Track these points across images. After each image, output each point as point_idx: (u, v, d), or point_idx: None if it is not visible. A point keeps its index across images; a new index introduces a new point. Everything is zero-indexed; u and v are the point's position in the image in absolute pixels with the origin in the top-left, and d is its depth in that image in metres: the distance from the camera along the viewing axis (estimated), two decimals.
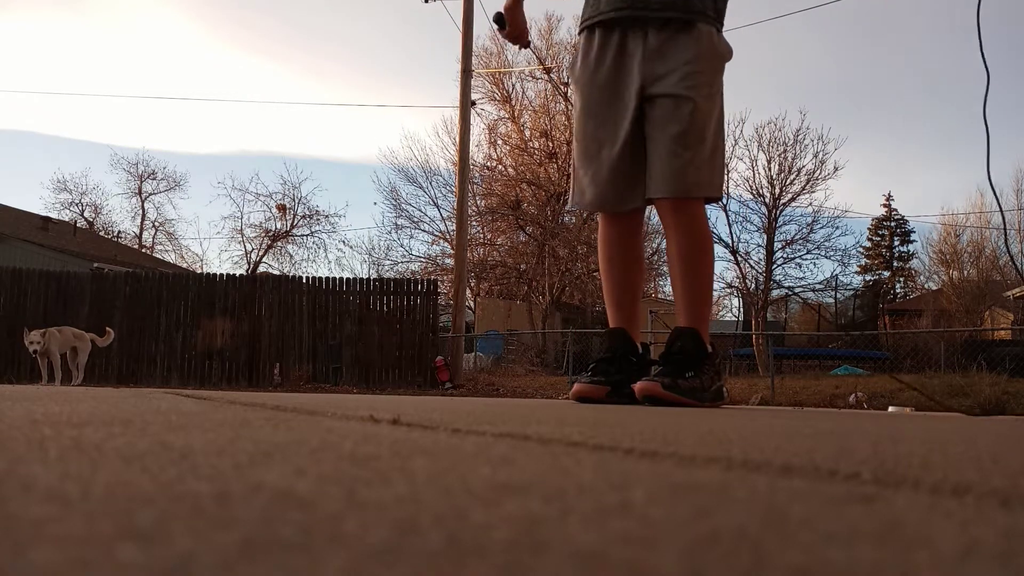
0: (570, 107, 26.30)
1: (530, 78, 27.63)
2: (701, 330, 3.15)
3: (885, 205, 41.39)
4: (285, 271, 29.37)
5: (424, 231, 27.82)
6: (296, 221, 31.40)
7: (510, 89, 27.76)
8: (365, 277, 17.51)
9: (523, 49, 3.43)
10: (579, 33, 3.31)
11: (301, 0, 51.17)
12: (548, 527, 0.41)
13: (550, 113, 27.10)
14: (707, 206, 3.27)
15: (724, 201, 24.49)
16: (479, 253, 26.48)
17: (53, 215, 32.01)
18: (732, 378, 14.40)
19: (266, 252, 31.32)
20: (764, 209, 24.74)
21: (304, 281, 14.99)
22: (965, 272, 32.02)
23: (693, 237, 3.15)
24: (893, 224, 41.15)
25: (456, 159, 15.20)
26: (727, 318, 33.50)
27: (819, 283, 26.19)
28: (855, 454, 0.89)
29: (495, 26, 3.58)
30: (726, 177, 25.18)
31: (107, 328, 11.54)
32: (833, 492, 0.58)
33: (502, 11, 3.51)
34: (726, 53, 3.17)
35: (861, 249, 37.15)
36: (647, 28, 3.06)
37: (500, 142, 27.16)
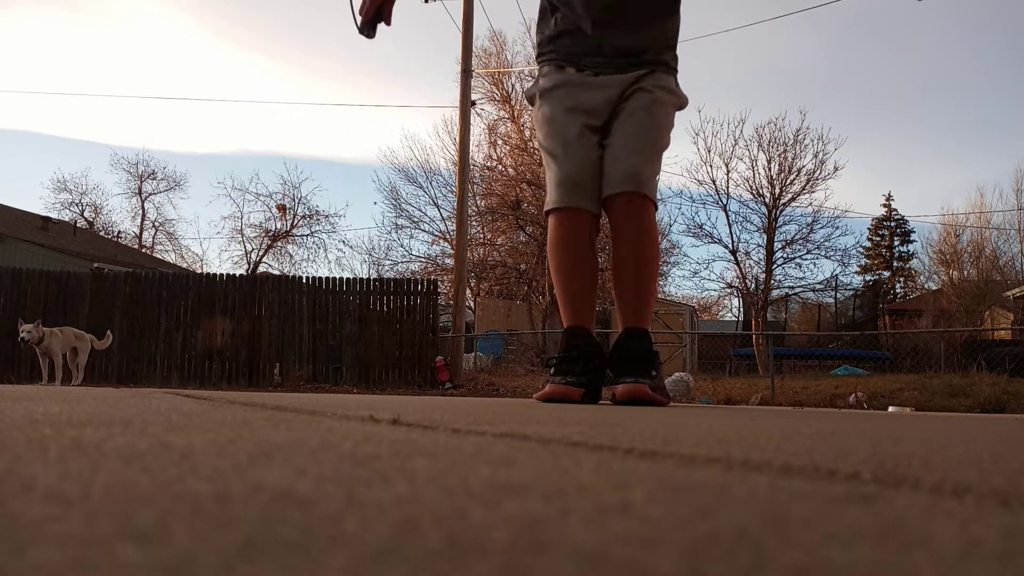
0: None
1: (530, 78, 27.62)
2: (647, 329, 3.25)
3: (885, 205, 41.42)
4: (285, 271, 29.42)
5: (424, 231, 27.84)
6: (296, 221, 31.43)
7: (510, 89, 27.76)
8: (365, 277, 17.50)
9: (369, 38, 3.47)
10: (540, 60, 3.40)
11: (301, 0, 51.21)
12: (548, 527, 0.41)
13: None
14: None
15: (724, 201, 24.51)
16: (479, 253, 26.47)
17: (53, 215, 32.04)
18: (732, 378, 14.41)
19: (266, 252, 31.34)
20: (764, 209, 24.74)
21: (304, 281, 14.99)
22: (965, 272, 32.01)
23: (646, 239, 3.24)
24: (893, 224, 41.15)
25: (456, 159, 15.19)
26: (727, 318, 33.52)
27: (819, 283, 26.19)
28: (855, 454, 0.89)
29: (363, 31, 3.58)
30: (725, 176, 25.19)
31: (107, 332, 11.53)
32: (833, 492, 0.58)
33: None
34: (680, 100, 3.37)
35: (861, 249, 37.15)
36: (616, 72, 3.26)
37: (500, 142, 27.15)
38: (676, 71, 3.41)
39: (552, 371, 3.21)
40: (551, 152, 3.33)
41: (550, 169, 3.34)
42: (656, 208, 3.34)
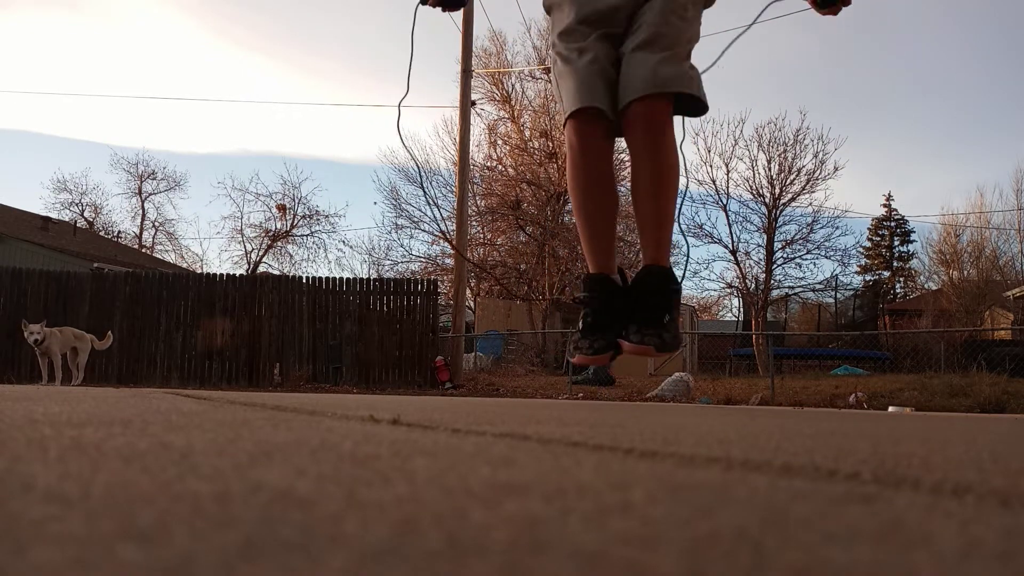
0: None
1: (530, 78, 27.64)
2: (667, 263, 3.03)
3: (885, 205, 41.42)
4: (285, 271, 29.41)
5: (424, 231, 27.85)
6: (296, 221, 31.42)
7: (510, 89, 27.77)
8: (365, 277, 17.50)
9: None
10: None
11: (301, 0, 51.21)
12: (548, 527, 0.41)
13: (550, 113, 27.10)
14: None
15: (724, 201, 24.48)
16: (479, 253, 26.47)
17: (53, 215, 32.03)
18: (732, 378, 14.41)
19: (266, 252, 31.33)
20: (764, 209, 24.75)
21: (304, 281, 14.98)
22: (965, 272, 32.00)
23: (664, 154, 2.97)
24: (893, 224, 41.15)
25: (456, 159, 15.19)
26: (727, 318, 33.51)
27: (819, 283, 26.20)
28: (855, 454, 0.89)
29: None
30: (725, 176, 25.11)
31: (107, 332, 11.52)
32: (833, 492, 0.58)
33: None
34: None
35: (861, 249, 37.16)
36: None
37: (500, 142, 27.16)
38: None
39: (579, 334, 3.09)
40: (565, 59, 3.15)
41: (564, 79, 3.15)
42: (705, 108, 3.02)
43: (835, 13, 3.27)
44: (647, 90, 3.03)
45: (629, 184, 3.23)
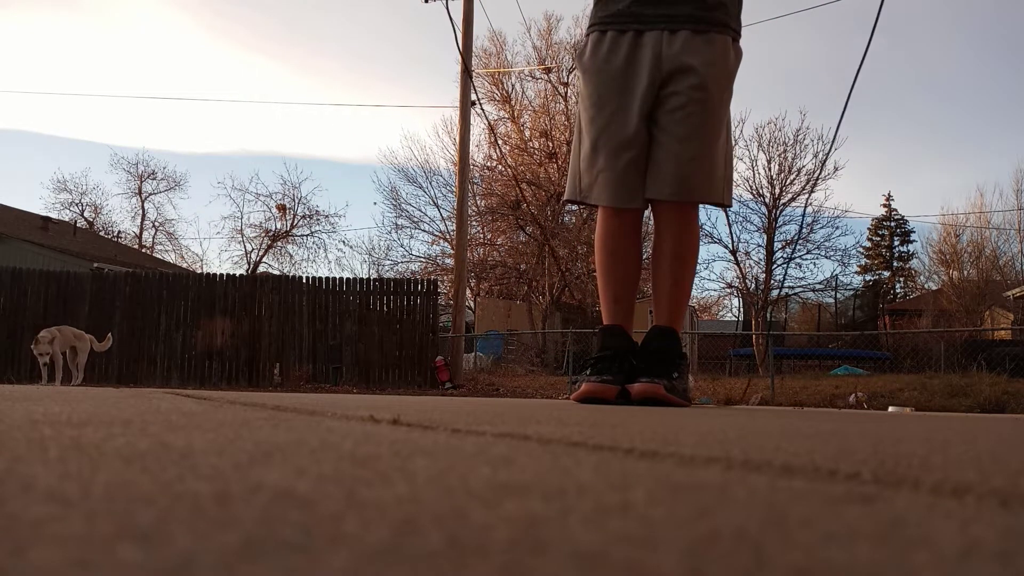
0: (569, 108, 26.34)
1: (530, 78, 27.64)
2: (679, 330, 3.17)
3: (885, 205, 41.42)
4: (285, 271, 29.41)
5: (424, 231, 27.85)
6: (296, 221, 31.43)
7: (510, 89, 27.76)
8: (365, 277, 17.50)
9: None
10: (588, 32, 3.22)
11: (301, 0, 51.20)
12: (548, 527, 0.41)
13: (550, 113, 27.10)
14: (708, 207, 3.27)
15: None
16: (479, 253, 26.47)
17: (53, 215, 32.04)
18: (732, 378, 14.40)
19: (266, 252, 31.33)
20: (764, 209, 24.75)
21: (304, 281, 14.98)
22: (965, 272, 32.00)
23: (687, 240, 3.13)
24: (893, 224, 41.15)
25: (456, 159, 15.19)
26: (727, 318, 33.50)
27: (819, 283, 26.21)
28: (855, 454, 0.89)
29: None
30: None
31: (107, 334, 11.48)
32: (833, 492, 0.58)
33: None
34: (735, 66, 3.15)
35: (861, 249, 37.18)
36: (663, 30, 3.02)
37: (499, 142, 27.16)
38: (733, 29, 3.11)
39: (588, 371, 3.16)
40: (595, 143, 3.10)
41: (588, 160, 3.12)
42: (728, 206, 3.25)
43: None
44: (679, 196, 3.03)
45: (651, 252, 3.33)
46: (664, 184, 3.02)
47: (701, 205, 3.26)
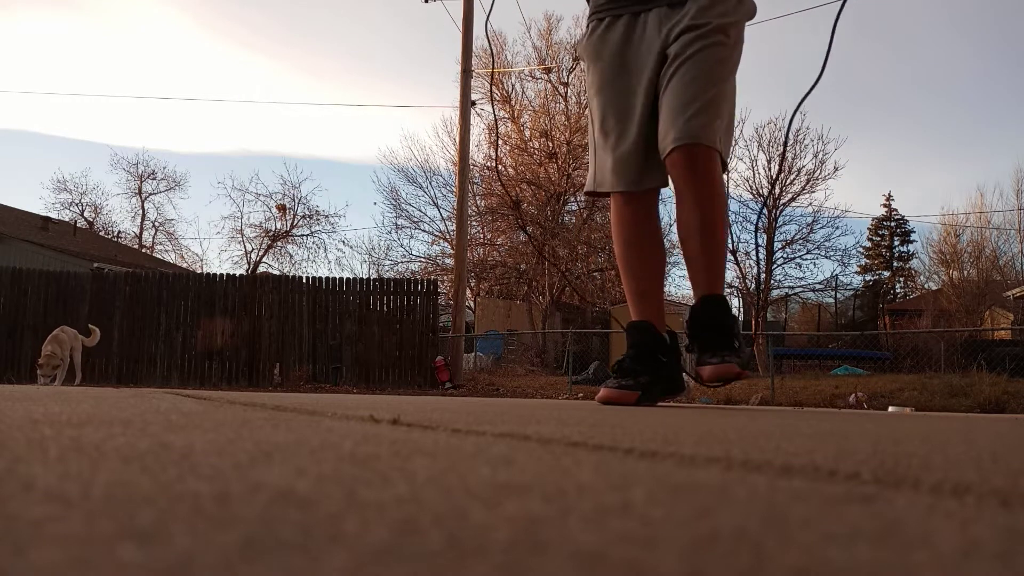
0: (569, 108, 26.35)
1: (530, 78, 27.65)
2: (721, 292, 2.96)
3: (885, 205, 41.43)
4: (285, 271, 29.41)
5: (424, 231, 27.85)
6: (296, 221, 31.42)
7: (510, 89, 27.77)
8: (365, 277, 17.48)
9: None
10: (588, 21, 3.13)
11: (301, 0, 51.19)
12: (548, 527, 0.41)
13: (550, 113, 27.11)
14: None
15: None
16: (479, 253, 26.48)
17: (53, 215, 32.03)
18: None
19: (266, 252, 31.33)
20: (764, 209, 24.75)
21: (304, 281, 14.98)
22: (965, 272, 32.00)
23: (713, 198, 2.88)
24: (893, 224, 41.15)
25: (456, 159, 15.19)
26: None
27: (819, 283, 26.23)
28: (855, 454, 0.89)
29: None
30: (726, 178, 25.20)
31: (91, 327, 11.23)
32: (833, 492, 0.58)
33: None
34: (744, 14, 3.00)
35: (861, 249, 37.19)
36: (665, 5, 2.94)
37: (500, 142, 27.16)
38: None
39: (614, 373, 3.03)
40: (603, 126, 2.99)
41: (600, 146, 3.01)
42: (725, 168, 2.96)
43: None
44: (691, 138, 2.77)
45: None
46: (666, 133, 2.84)
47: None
